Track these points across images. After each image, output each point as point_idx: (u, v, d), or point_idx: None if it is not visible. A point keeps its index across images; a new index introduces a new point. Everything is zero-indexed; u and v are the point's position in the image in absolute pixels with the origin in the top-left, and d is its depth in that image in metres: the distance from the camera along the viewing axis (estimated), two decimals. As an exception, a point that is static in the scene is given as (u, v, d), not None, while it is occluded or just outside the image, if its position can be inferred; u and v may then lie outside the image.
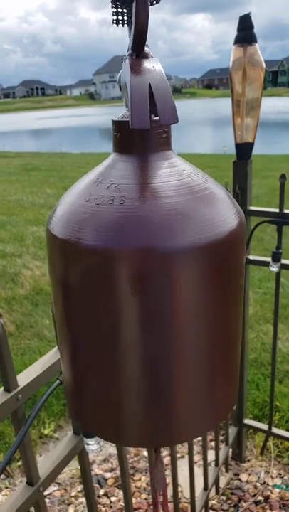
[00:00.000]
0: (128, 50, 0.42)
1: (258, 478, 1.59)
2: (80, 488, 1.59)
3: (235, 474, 1.62)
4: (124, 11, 0.42)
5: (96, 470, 1.66)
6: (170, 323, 0.40)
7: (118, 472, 1.63)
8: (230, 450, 1.66)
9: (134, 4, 0.37)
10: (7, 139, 23.27)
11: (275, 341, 1.46)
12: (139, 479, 1.61)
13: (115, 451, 1.69)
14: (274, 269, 1.31)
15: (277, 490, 1.53)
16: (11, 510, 0.64)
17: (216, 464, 1.46)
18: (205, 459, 1.31)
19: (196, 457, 1.64)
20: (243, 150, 1.27)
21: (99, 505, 1.50)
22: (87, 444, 0.68)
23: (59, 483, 1.61)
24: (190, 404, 0.44)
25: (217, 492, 1.52)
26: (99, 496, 1.55)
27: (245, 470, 1.63)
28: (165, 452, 1.63)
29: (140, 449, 1.66)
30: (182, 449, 1.69)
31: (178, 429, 0.45)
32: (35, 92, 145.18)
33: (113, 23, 0.42)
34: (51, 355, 0.72)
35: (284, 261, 1.31)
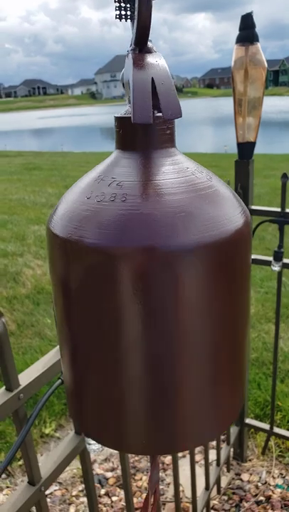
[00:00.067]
0: (131, 44, 0.42)
1: (260, 478, 1.58)
2: (81, 487, 1.59)
3: (236, 474, 1.62)
4: (127, 5, 0.41)
5: (97, 470, 1.66)
6: (173, 322, 0.39)
7: (119, 472, 1.63)
8: (232, 450, 1.66)
9: None
10: (9, 138, 23.29)
11: (277, 340, 1.46)
12: (140, 479, 1.61)
13: (116, 451, 1.69)
14: (276, 268, 1.31)
15: (279, 490, 1.52)
16: (12, 510, 0.64)
17: (218, 464, 1.46)
18: (206, 458, 1.31)
19: (198, 457, 1.64)
20: (245, 149, 1.27)
21: (100, 505, 1.50)
22: (89, 444, 0.68)
23: (60, 483, 1.61)
24: (195, 408, 0.43)
25: (218, 492, 1.52)
26: (100, 496, 1.55)
27: (246, 470, 1.63)
28: (166, 452, 1.63)
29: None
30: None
31: (182, 435, 0.44)
32: (36, 92, 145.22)
33: (116, 17, 0.41)
34: (52, 355, 0.72)
35: (286, 260, 1.30)
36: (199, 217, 0.38)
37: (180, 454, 1.66)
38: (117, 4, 0.42)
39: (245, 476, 1.60)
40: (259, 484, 1.56)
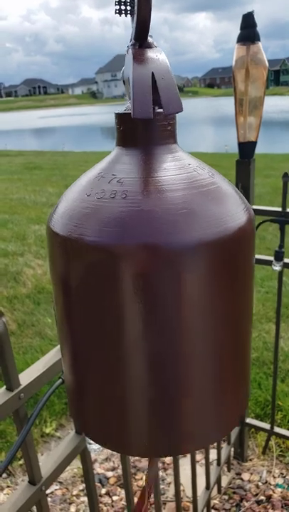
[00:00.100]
0: (131, 40, 0.41)
1: (260, 477, 1.58)
2: (81, 487, 1.58)
3: (237, 473, 1.62)
4: (127, 0, 0.41)
5: (98, 469, 1.66)
6: (175, 320, 0.38)
7: (120, 471, 1.63)
8: (232, 449, 1.65)
9: None
10: (9, 137, 23.28)
11: (278, 340, 1.46)
12: (141, 478, 1.61)
13: (117, 450, 1.68)
14: (277, 268, 1.30)
15: (279, 489, 1.52)
16: (13, 509, 0.64)
17: (218, 463, 1.46)
18: (207, 458, 1.31)
19: (198, 456, 1.64)
20: (246, 149, 1.27)
21: (101, 504, 1.50)
22: (89, 443, 0.68)
23: (61, 482, 1.61)
24: (199, 408, 0.42)
25: (219, 491, 1.52)
26: (101, 495, 1.54)
27: (247, 469, 1.63)
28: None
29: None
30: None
31: (186, 436, 0.43)
32: (37, 91, 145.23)
33: (116, 13, 0.41)
34: (53, 354, 0.72)
35: (286, 260, 1.30)
36: (201, 214, 0.38)
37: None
38: None
39: (245, 476, 1.60)
40: (260, 484, 1.56)
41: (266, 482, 1.56)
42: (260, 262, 1.38)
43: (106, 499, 1.53)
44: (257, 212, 1.33)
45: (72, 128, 30.41)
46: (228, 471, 1.61)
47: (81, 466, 0.82)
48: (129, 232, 0.36)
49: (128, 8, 0.41)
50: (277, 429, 1.58)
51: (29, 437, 0.66)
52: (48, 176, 8.00)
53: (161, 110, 0.39)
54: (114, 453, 1.73)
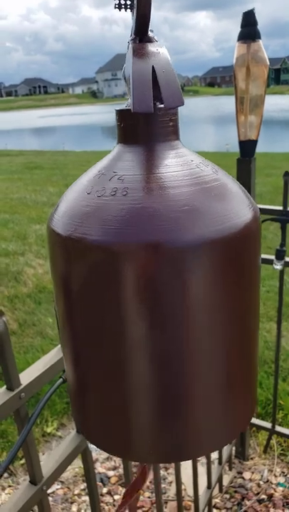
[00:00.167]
0: (131, 35, 0.41)
1: (262, 476, 1.58)
2: (83, 486, 1.58)
3: (238, 472, 1.61)
4: None
5: (99, 468, 1.66)
6: (180, 320, 0.37)
7: (121, 470, 1.63)
8: (234, 448, 1.65)
9: None
10: (10, 137, 23.28)
11: (279, 339, 1.45)
12: (142, 477, 1.61)
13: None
14: (278, 267, 1.30)
15: (281, 488, 1.52)
16: (14, 509, 0.64)
17: (220, 463, 1.46)
18: (208, 457, 1.31)
19: (200, 455, 1.64)
20: (247, 147, 1.26)
21: (102, 504, 1.50)
22: (91, 443, 0.68)
23: (62, 482, 1.61)
24: (205, 409, 0.41)
25: (220, 490, 1.52)
26: (102, 495, 1.54)
27: (248, 468, 1.63)
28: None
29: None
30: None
31: (192, 441, 0.42)
32: (37, 91, 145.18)
33: (115, 7, 0.40)
34: (54, 354, 0.72)
35: (288, 259, 1.30)
36: (205, 211, 0.37)
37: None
38: None
39: (247, 475, 1.59)
40: (261, 483, 1.55)
41: (267, 481, 1.56)
42: (261, 261, 1.37)
43: (107, 498, 1.53)
44: (258, 211, 1.32)
45: (72, 127, 30.40)
46: (230, 470, 1.61)
47: (82, 466, 0.82)
48: (131, 230, 0.35)
49: (128, 2, 0.40)
50: (278, 428, 1.58)
51: (30, 437, 0.66)
52: (49, 175, 8.00)
53: (162, 106, 0.39)
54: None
